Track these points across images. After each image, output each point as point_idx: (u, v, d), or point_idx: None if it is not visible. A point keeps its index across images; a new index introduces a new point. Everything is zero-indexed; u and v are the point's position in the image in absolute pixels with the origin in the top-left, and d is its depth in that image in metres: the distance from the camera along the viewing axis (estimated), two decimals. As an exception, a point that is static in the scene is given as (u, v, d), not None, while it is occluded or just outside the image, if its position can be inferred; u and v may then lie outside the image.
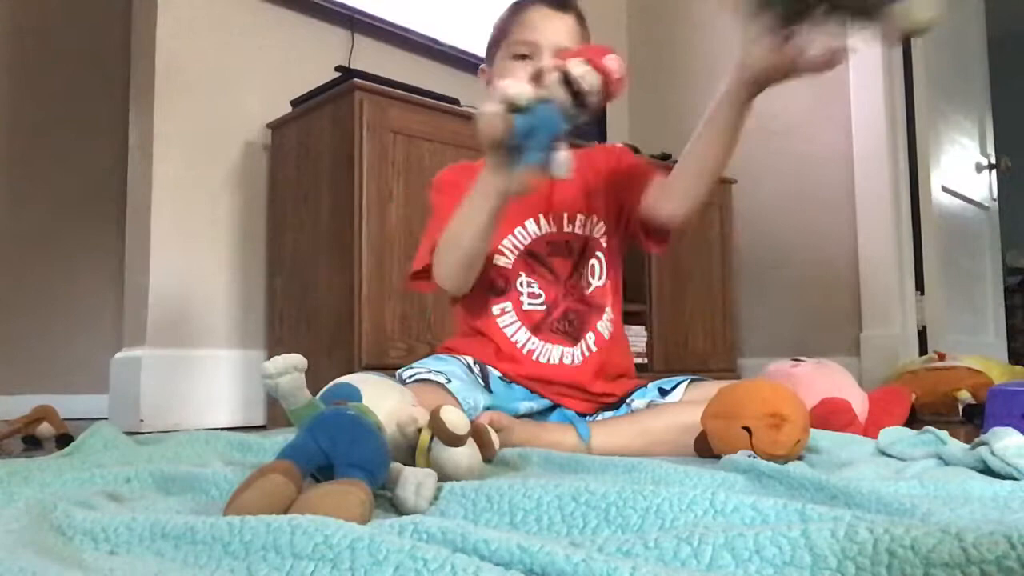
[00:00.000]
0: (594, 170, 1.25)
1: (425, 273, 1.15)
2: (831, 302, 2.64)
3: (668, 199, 1.15)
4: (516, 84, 0.86)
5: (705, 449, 0.96)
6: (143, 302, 1.95)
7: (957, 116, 3.07)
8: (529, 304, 1.18)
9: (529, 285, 1.18)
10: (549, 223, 1.21)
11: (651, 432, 1.05)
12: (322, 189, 1.90)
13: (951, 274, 2.84)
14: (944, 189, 2.89)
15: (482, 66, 1.27)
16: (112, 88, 2.62)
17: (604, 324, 1.21)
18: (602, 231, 1.23)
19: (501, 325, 1.17)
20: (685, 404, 1.07)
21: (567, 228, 1.21)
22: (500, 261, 1.19)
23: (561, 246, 1.20)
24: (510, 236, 1.19)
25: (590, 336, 1.19)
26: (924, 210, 2.63)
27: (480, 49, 1.27)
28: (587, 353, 1.18)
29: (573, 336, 1.18)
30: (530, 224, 1.20)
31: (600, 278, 1.22)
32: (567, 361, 1.17)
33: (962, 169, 3.09)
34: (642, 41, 3.28)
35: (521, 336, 1.17)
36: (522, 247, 1.19)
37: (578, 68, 0.88)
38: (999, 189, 3.37)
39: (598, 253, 1.22)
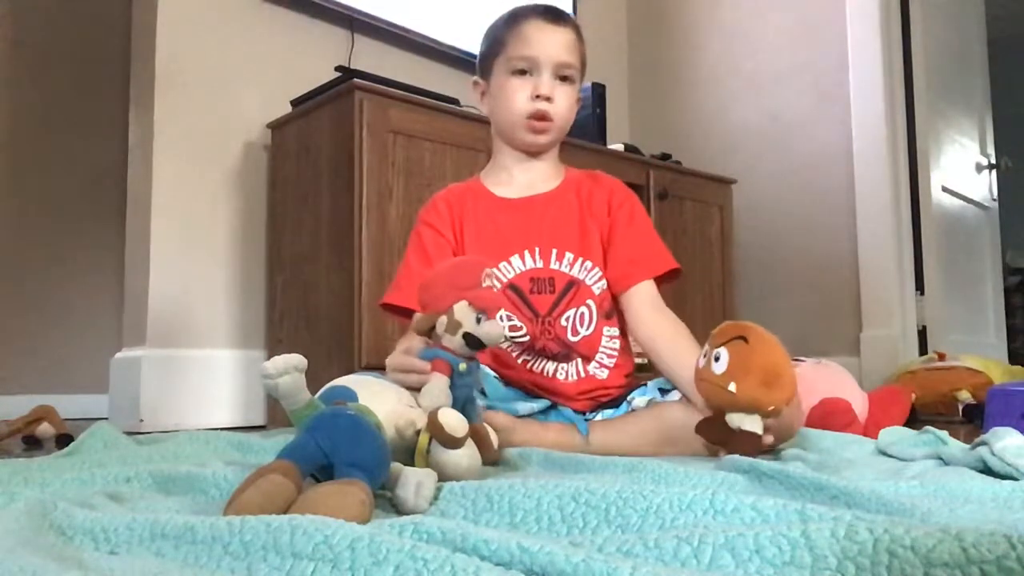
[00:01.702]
0: (591, 211, 1.22)
1: (396, 307, 1.18)
2: (831, 302, 2.63)
3: (631, 324, 1.19)
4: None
5: (705, 427, 0.95)
6: (143, 302, 1.95)
7: (957, 116, 3.07)
8: (512, 334, 1.16)
9: (509, 319, 1.15)
10: (535, 258, 1.18)
11: (653, 431, 1.04)
12: (322, 189, 1.90)
13: (951, 274, 2.84)
14: (944, 189, 2.89)
15: (475, 78, 1.25)
16: (112, 88, 2.62)
17: (596, 368, 1.18)
18: (596, 278, 1.19)
19: None
20: (686, 402, 1.07)
21: (553, 265, 1.18)
22: None
23: (544, 283, 1.17)
24: (495, 270, 1.15)
25: (580, 363, 1.17)
26: (924, 210, 2.63)
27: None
28: (582, 375, 1.17)
29: (564, 358, 1.17)
30: (515, 260, 1.18)
31: (588, 327, 1.17)
32: (560, 377, 1.16)
33: (962, 169, 3.09)
34: (642, 41, 3.28)
35: (514, 350, 1.17)
36: (505, 280, 1.17)
37: (485, 329, 0.84)
38: (999, 189, 3.37)
39: (589, 301, 1.18)
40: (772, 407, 0.89)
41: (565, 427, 1.07)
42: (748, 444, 0.89)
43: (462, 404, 0.84)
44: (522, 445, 0.98)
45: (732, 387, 0.89)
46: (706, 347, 0.94)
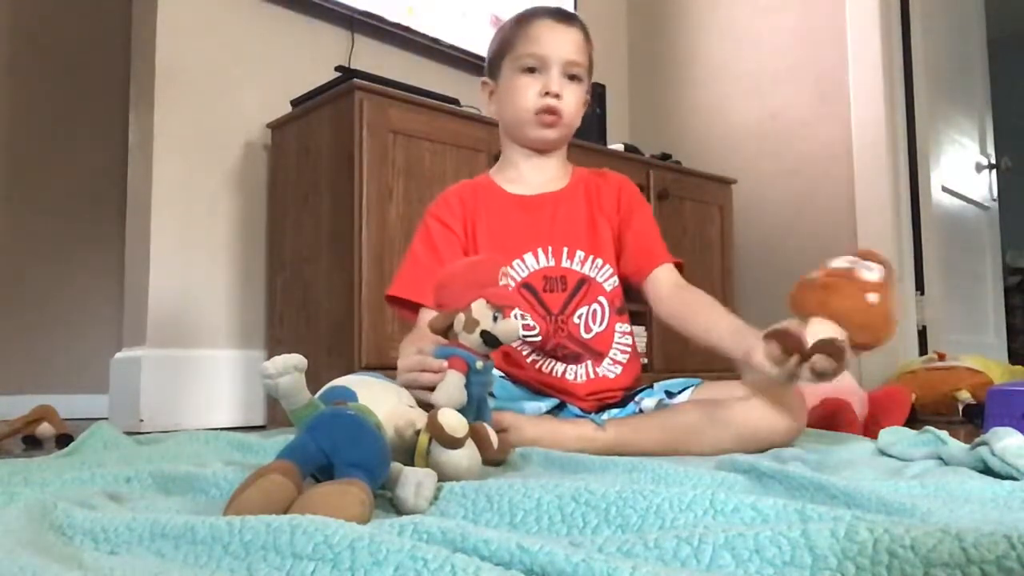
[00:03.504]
0: (600, 208, 1.23)
1: (400, 299, 1.18)
2: (831, 302, 2.63)
3: (661, 305, 1.18)
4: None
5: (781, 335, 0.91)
6: (143, 302, 1.95)
7: (957, 116, 3.06)
8: (524, 334, 1.16)
9: (523, 318, 1.16)
10: (548, 256, 1.19)
11: (673, 430, 1.03)
12: (322, 189, 1.90)
13: (951, 274, 2.84)
14: (944, 189, 2.89)
15: (484, 79, 1.26)
16: (112, 88, 2.62)
17: (607, 367, 1.18)
18: (607, 275, 1.20)
19: None
20: (701, 406, 1.06)
21: (565, 263, 1.19)
22: None
23: (556, 281, 1.18)
24: (509, 267, 1.16)
25: (590, 365, 1.17)
26: (924, 210, 2.63)
27: (480, 48, 1.26)
28: (591, 376, 1.17)
29: (574, 359, 1.17)
30: (529, 257, 1.18)
31: (601, 323, 1.18)
32: (569, 377, 1.16)
33: (962, 169, 3.09)
34: (642, 41, 3.28)
35: (524, 349, 1.17)
36: (519, 279, 1.17)
37: (500, 327, 0.85)
38: (999, 189, 3.37)
39: (600, 298, 1.19)
40: (875, 344, 0.89)
41: (580, 420, 1.07)
42: (836, 352, 0.85)
43: (476, 402, 0.85)
44: (536, 440, 0.98)
45: (873, 298, 0.86)
46: (845, 258, 0.92)
